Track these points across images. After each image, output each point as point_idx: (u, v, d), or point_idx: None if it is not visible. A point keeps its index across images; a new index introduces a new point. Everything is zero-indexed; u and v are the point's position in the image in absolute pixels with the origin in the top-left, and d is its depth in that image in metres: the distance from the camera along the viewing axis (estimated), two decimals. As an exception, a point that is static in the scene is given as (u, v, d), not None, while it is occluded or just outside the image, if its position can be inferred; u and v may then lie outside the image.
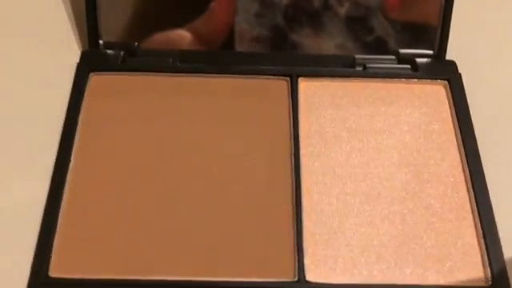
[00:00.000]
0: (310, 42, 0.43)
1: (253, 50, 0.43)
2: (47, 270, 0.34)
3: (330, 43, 0.43)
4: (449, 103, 0.42)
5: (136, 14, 0.43)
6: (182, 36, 0.43)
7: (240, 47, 0.43)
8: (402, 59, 0.43)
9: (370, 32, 0.43)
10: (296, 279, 0.34)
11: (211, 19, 0.42)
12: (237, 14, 0.43)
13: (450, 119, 0.41)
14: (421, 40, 0.43)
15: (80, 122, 0.40)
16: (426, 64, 0.43)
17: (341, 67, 0.43)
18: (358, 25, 0.43)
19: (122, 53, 0.42)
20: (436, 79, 0.43)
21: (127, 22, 0.43)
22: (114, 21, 0.43)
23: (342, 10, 0.43)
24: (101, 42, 0.43)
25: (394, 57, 0.44)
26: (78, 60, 0.43)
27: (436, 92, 0.42)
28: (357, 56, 0.43)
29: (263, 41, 0.43)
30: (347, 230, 0.36)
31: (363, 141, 0.40)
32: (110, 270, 0.34)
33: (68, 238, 0.35)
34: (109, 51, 0.43)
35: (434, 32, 0.43)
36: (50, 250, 0.35)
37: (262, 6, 0.42)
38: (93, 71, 0.42)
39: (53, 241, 0.35)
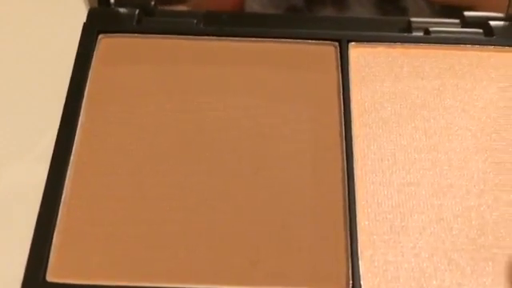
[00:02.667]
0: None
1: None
2: (44, 273, 0.30)
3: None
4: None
5: None
6: None
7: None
8: (468, 23, 0.38)
9: (402, 13, 0.40)
10: (350, 290, 0.30)
11: None
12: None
13: (535, 94, 0.36)
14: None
15: (86, 94, 0.35)
16: (503, 28, 0.38)
17: (396, 32, 0.38)
18: (389, 5, 0.40)
19: (137, 11, 0.38)
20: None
21: None
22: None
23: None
24: (112, -1, 0.39)
25: (457, 20, 0.38)
26: (84, 19, 0.38)
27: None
28: (413, 19, 0.39)
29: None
30: (412, 230, 0.31)
31: (430, 120, 0.35)
32: (119, 274, 0.30)
33: (69, 234, 0.31)
34: (121, 9, 0.38)
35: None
36: (49, 250, 0.31)
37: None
38: (102, 33, 0.37)
39: (52, 238, 0.31)
